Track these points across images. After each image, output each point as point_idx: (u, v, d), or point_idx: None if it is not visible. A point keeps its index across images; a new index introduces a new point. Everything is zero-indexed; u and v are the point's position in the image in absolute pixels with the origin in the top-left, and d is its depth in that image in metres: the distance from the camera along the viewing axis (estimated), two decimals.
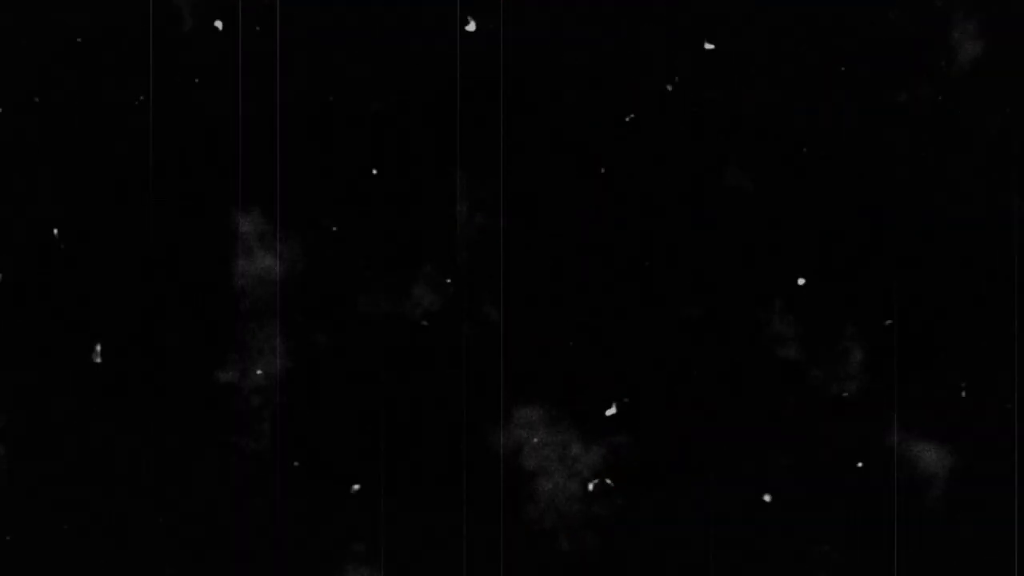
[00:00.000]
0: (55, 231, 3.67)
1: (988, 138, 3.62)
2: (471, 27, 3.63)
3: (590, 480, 3.63)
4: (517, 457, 3.64)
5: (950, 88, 3.62)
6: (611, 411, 3.61)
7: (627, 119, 3.63)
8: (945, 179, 3.61)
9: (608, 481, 3.59)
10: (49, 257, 3.67)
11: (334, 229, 3.62)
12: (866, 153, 3.61)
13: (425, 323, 3.45)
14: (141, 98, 3.66)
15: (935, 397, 3.61)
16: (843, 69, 3.62)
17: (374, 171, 3.65)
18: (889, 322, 3.42)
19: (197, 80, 3.66)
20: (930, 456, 3.61)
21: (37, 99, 3.68)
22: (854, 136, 3.61)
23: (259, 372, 3.65)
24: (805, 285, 3.61)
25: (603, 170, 3.63)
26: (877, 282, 3.61)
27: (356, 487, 3.41)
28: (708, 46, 3.62)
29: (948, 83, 3.62)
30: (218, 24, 3.67)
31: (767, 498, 3.61)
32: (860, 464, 3.61)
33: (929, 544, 3.61)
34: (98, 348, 3.64)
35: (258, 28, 3.65)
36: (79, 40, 3.68)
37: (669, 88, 3.63)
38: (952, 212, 3.61)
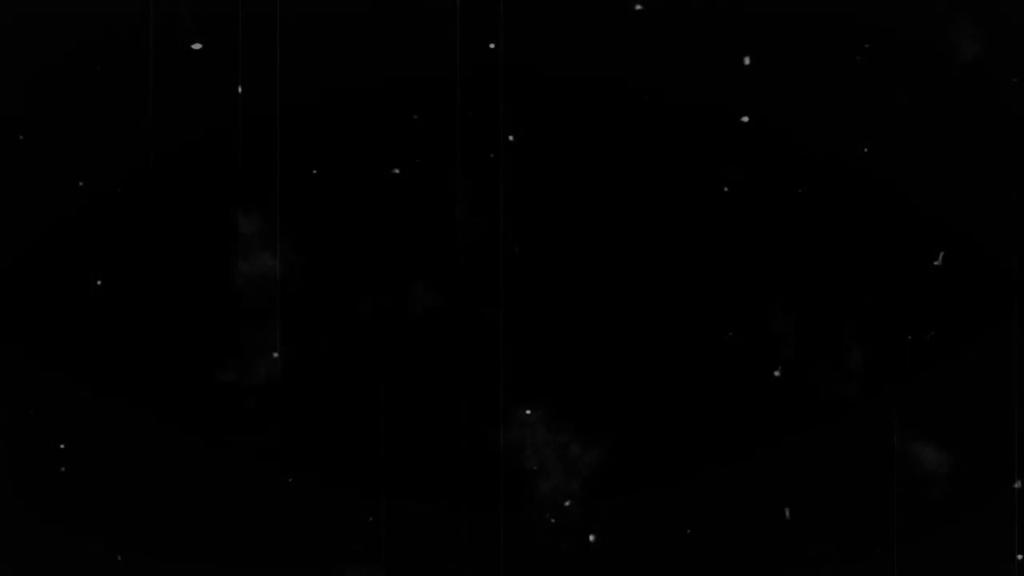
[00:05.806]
0: (54, 231, 3.68)
1: (988, 138, 3.62)
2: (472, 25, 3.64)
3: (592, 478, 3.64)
4: (517, 457, 3.65)
5: (950, 88, 3.62)
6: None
7: (627, 120, 3.63)
8: (946, 179, 3.62)
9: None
10: (49, 257, 3.67)
11: (333, 229, 3.63)
12: (866, 153, 3.61)
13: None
14: (141, 99, 3.67)
15: (935, 397, 3.61)
16: (843, 69, 3.62)
17: (374, 172, 3.65)
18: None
19: (197, 80, 3.67)
20: (930, 456, 3.61)
21: (37, 98, 3.68)
22: (854, 136, 3.62)
23: (259, 372, 3.65)
24: (806, 285, 3.61)
25: (604, 171, 3.63)
26: (877, 282, 3.62)
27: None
28: (708, 49, 3.63)
29: (948, 83, 3.62)
30: (217, 25, 3.68)
31: (772, 501, 3.62)
32: (860, 464, 3.61)
33: (929, 544, 3.61)
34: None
35: (257, 31, 3.65)
36: (80, 40, 3.68)
37: (667, 89, 3.63)
38: (952, 212, 3.61)
